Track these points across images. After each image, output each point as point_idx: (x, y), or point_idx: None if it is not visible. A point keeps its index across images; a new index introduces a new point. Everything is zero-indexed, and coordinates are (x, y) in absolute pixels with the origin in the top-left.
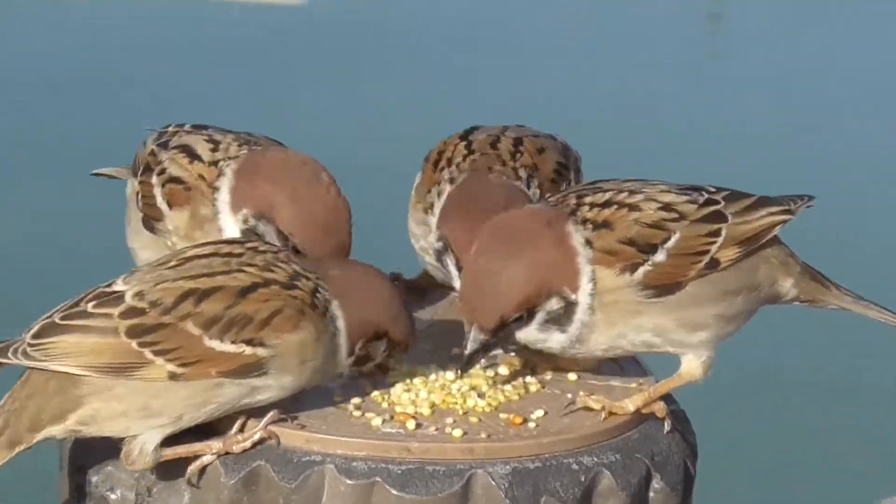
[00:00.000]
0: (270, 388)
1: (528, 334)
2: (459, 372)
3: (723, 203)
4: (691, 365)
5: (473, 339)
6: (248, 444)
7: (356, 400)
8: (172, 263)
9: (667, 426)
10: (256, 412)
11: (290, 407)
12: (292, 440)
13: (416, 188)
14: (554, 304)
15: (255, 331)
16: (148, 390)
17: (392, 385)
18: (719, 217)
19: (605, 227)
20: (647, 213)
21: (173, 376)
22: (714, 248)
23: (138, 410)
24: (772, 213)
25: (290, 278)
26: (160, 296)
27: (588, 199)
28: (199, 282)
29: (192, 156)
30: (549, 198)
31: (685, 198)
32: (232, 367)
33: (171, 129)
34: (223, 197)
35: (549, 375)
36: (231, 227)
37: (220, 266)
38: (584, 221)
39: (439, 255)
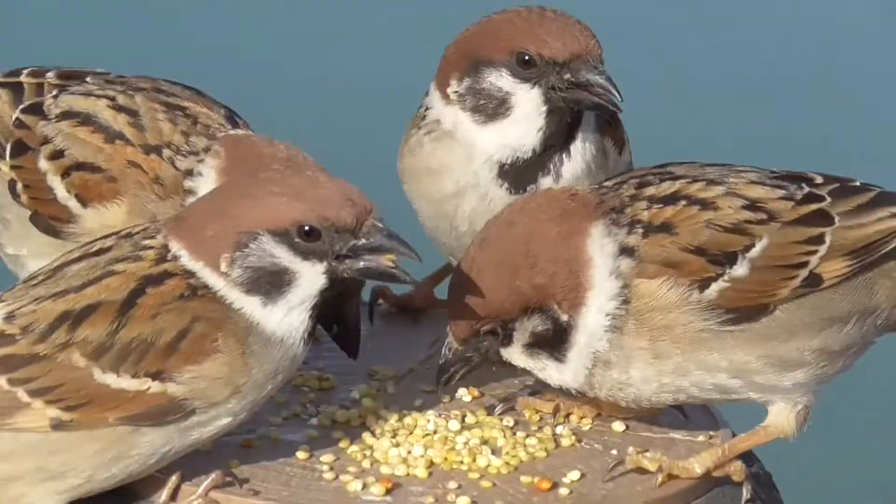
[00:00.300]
0: (207, 426)
1: (515, 357)
2: (436, 384)
3: (829, 200)
4: (782, 416)
5: (449, 345)
6: None
7: (328, 457)
8: (40, 278)
9: (745, 494)
10: (194, 468)
11: (239, 460)
12: None
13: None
14: (535, 321)
15: (160, 360)
16: (42, 445)
17: (376, 437)
18: (823, 218)
19: (665, 232)
20: (725, 212)
21: (58, 424)
22: (815, 259)
23: (32, 472)
24: (895, 215)
25: (156, 262)
26: (31, 319)
27: (649, 191)
28: (69, 300)
29: (104, 130)
30: (605, 181)
31: (780, 192)
32: (135, 410)
33: (25, 76)
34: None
35: (587, 425)
36: None
37: (88, 273)
38: (634, 223)
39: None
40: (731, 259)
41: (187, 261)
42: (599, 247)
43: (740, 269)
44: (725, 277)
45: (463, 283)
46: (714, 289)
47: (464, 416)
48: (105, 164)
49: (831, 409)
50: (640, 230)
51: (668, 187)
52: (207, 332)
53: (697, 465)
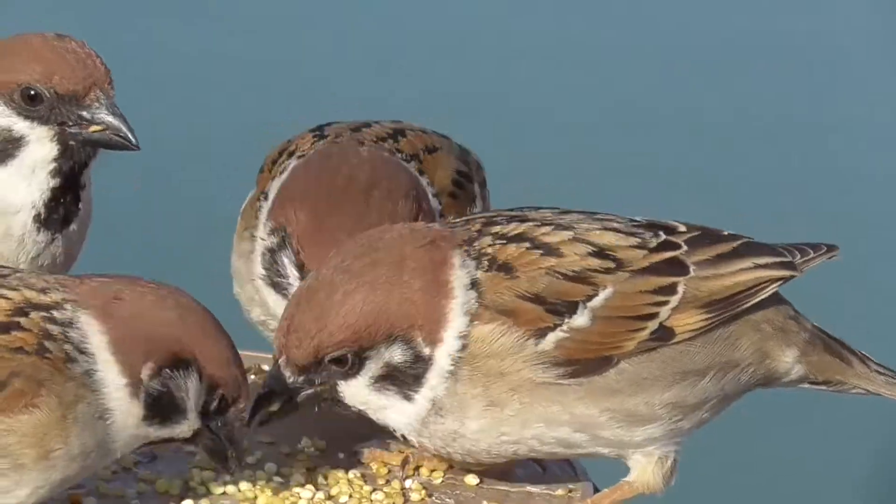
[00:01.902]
0: (13, 492)
1: (355, 392)
2: (248, 426)
3: (685, 248)
4: (644, 470)
5: (276, 373)
6: None
7: None
8: None
9: None
10: None
11: None
12: None
13: (245, 208)
14: (397, 352)
15: None
16: None
17: (211, 492)
18: (676, 267)
19: (505, 272)
20: (569, 259)
21: None
22: (665, 310)
23: None
24: (760, 266)
25: (11, 314)
26: None
27: (496, 228)
28: None
29: None
30: (449, 220)
31: (633, 240)
32: None
33: None
34: None
35: (438, 478)
36: None
37: None
38: (481, 256)
39: (272, 255)
40: (571, 308)
41: (94, 342)
42: (458, 278)
43: (580, 320)
44: (564, 328)
45: (312, 305)
46: (551, 339)
47: (307, 469)
48: None
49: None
50: (486, 263)
51: (514, 227)
52: (26, 390)
53: None
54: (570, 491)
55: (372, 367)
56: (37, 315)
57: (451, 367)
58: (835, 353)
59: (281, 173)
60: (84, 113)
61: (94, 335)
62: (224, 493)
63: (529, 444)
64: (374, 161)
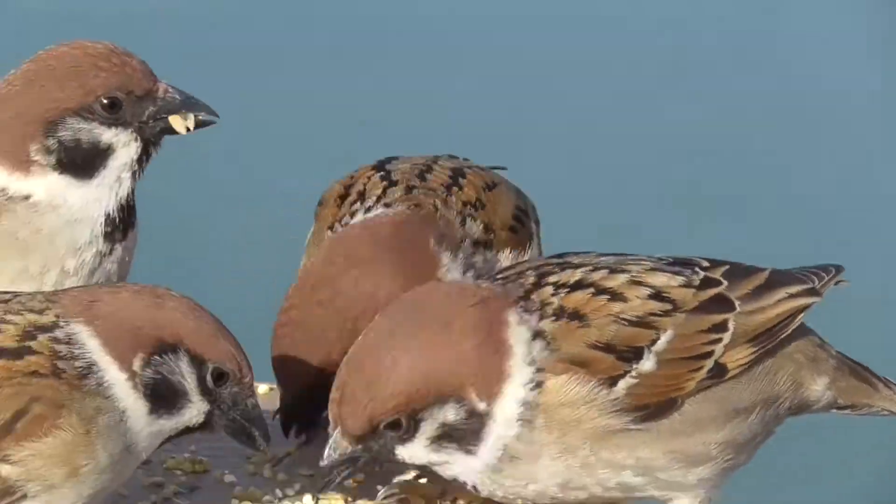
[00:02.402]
0: None
1: (414, 453)
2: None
3: (725, 283)
4: None
5: (334, 445)
6: None
7: None
8: None
9: None
10: None
11: None
12: None
13: (309, 244)
14: (450, 411)
15: None
16: None
17: None
18: (724, 304)
19: (577, 320)
20: (633, 303)
21: None
22: (719, 348)
23: None
24: (792, 296)
25: (21, 338)
26: None
27: (552, 278)
28: None
29: None
30: (497, 274)
31: (679, 278)
32: None
33: None
34: None
35: None
36: None
37: None
38: (544, 307)
39: None
40: (637, 354)
41: (89, 346)
42: (516, 335)
43: (647, 364)
44: (633, 374)
45: (362, 372)
46: (622, 386)
47: (345, 502)
48: None
49: None
50: (551, 314)
51: (570, 274)
52: (47, 414)
53: None
54: None
55: (427, 429)
56: (44, 337)
57: (523, 417)
58: (861, 377)
59: (352, 214)
60: (154, 107)
61: (89, 342)
62: None
63: (592, 490)
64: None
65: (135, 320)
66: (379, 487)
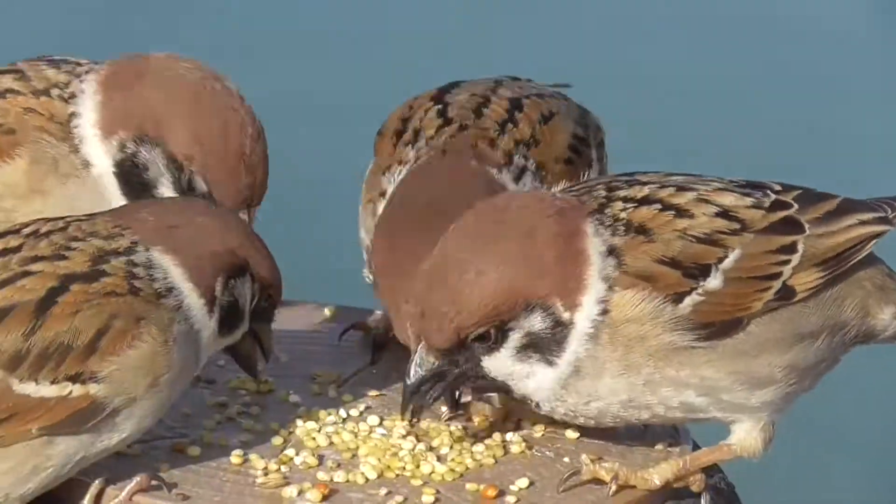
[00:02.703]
0: (122, 427)
1: (500, 364)
2: (402, 413)
3: (796, 206)
4: (747, 435)
5: (419, 362)
6: None
7: (262, 461)
8: None
9: (704, 502)
10: (121, 472)
11: (170, 464)
12: None
13: (368, 177)
14: (537, 320)
15: (80, 361)
16: None
17: (315, 440)
18: (793, 226)
19: (643, 234)
20: (699, 220)
21: None
22: (787, 270)
23: None
24: (864, 223)
25: (92, 262)
26: None
27: (621, 193)
28: None
29: None
30: (567, 188)
31: (748, 200)
32: (58, 417)
33: None
34: (86, 119)
35: (539, 432)
36: (101, 158)
37: None
38: (616, 222)
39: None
40: (704, 271)
41: (170, 272)
42: (594, 246)
43: (714, 282)
44: (699, 291)
45: (445, 286)
46: (688, 303)
47: (409, 422)
48: (1, 119)
49: (799, 421)
50: (622, 229)
51: (638, 191)
52: (127, 328)
53: (657, 476)
54: (670, 446)
55: (514, 338)
56: (117, 261)
57: (592, 331)
58: None
59: (402, 164)
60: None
61: (171, 269)
62: (330, 443)
63: (654, 410)
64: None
65: (213, 246)
66: (442, 408)
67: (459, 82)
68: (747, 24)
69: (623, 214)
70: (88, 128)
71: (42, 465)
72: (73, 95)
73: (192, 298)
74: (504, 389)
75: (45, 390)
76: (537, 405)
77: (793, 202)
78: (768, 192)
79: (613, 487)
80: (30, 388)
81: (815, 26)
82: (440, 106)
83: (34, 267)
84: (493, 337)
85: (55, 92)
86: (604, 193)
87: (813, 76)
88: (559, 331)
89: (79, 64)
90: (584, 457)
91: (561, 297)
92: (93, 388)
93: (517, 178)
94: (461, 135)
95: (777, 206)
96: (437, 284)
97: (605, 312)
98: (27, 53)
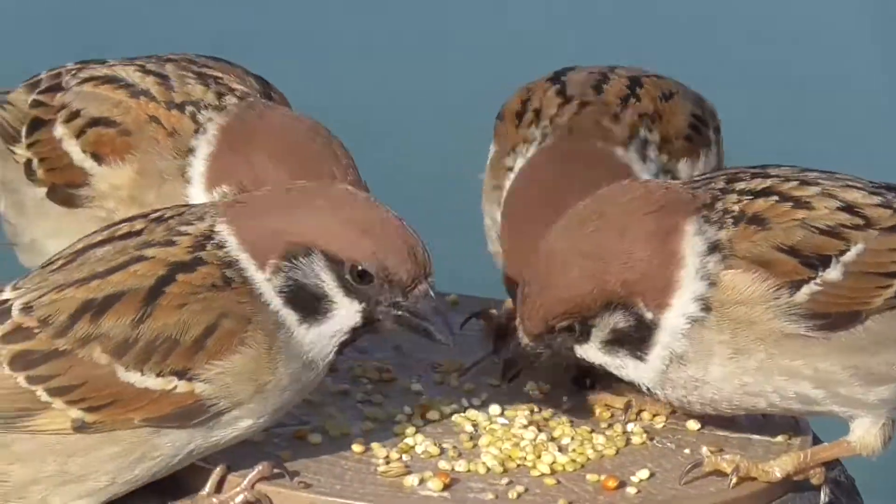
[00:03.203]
0: (233, 426)
1: (591, 354)
2: (501, 379)
3: None
4: (867, 432)
5: (518, 340)
6: None
7: (384, 450)
8: (60, 262)
9: (823, 497)
10: (243, 459)
11: (292, 452)
12: None
13: (491, 161)
14: (619, 318)
15: (186, 358)
16: (59, 447)
17: (436, 429)
18: None
19: (756, 224)
20: (819, 212)
21: (81, 426)
22: None
23: (52, 475)
24: None
25: (193, 249)
26: (51, 310)
27: (740, 185)
28: (93, 287)
29: (129, 87)
30: (691, 179)
31: (876, 199)
32: (162, 411)
33: (54, 71)
34: (198, 162)
35: (660, 423)
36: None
37: (115, 257)
38: (725, 216)
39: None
40: (824, 262)
41: (233, 248)
42: (692, 246)
43: (833, 273)
44: (818, 280)
45: (540, 275)
46: (805, 291)
47: (531, 412)
48: (121, 118)
49: None
50: (731, 221)
51: (759, 183)
52: (236, 329)
53: (777, 469)
54: (790, 439)
55: (598, 334)
56: (210, 245)
57: (687, 328)
58: None
59: (527, 143)
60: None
61: (233, 244)
62: (452, 432)
63: (770, 398)
64: (593, 177)
65: (271, 222)
66: (564, 398)
67: (574, 67)
68: None
69: (735, 207)
70: (197, 173)
71: (149, 454)
72: (198, 130)
73: (259, 278)
74: (611, 374)
75: (150, 381)
76: (649, 390)
77: None
78: None
79: (734, 479)
80: (134, 378)
81: None
82: (558, 85)
83: (148, 252)
84: (578, 330)
85: (189, 109)
86: (721, 185)
87: None
88: (643, 331)
89: (231, 89)
90: (704, 448)
91: (645, 298)
92: (198, 387)
93: (642, 154)
94: (584, 111)
95: None
96: (535, 272)
97: (707, 308)
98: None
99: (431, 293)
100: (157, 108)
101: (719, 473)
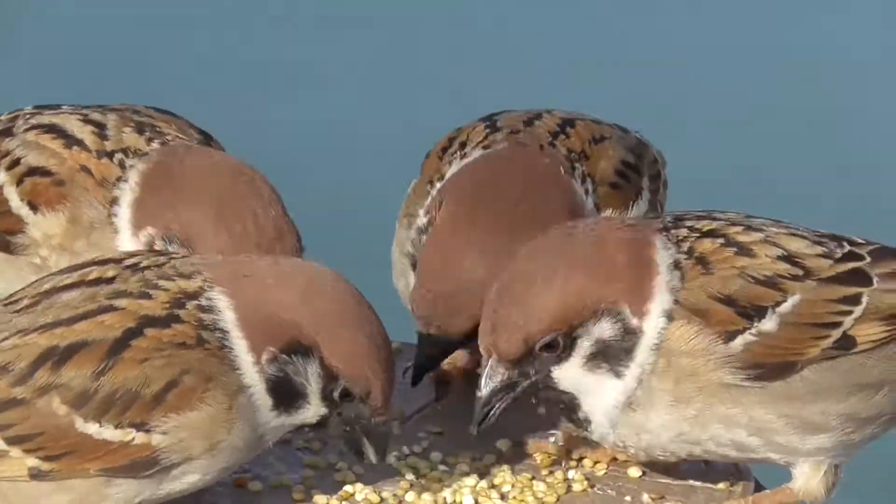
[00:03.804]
0: (183, 479)
1: (569, 375)
2: (473, 425)
3: (868, 260)
4: (808, 479)
5: (490, 373)
6: None
7: (324, 498)
8: (25, 302)
9: None
10: None
11: (232, 500)
12: None
13: (409, 193)
14: (606, 326)
15: (145, 411)
16: (11, 493)
17: (377, 476)
18: (861, 278)
19: (700, 265)
20: (761, 260)
21: (38, 474)
22: (849, 320)
23: None
24: None
25: (170, 306)
26: (12, 356)
27: (688, 223)
28: (57, 334)
29: (66, 137)
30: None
31: (819, 249)
32: (118, 462)
33: (13, 114)
34: (122, 210)
35: (601, 470)
36: (129, 248)
37: (83, 304)
38: (680, 243)
39: (419, 236)
40: (760, 313)
41: (228, 323)
42: (662, 257)
43: (769, 324)
44: (752, 331)
45: (516, 294)
46: (739, 342)
47: (472, 459)
48: (56, 168)
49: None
50: (686, 250)
51: (707, 223)
52: (197, 386)
53: None
54: (732, 486)
55: (584, 346)
56: (191, 305)
57: (657, 342)
58: None
59: (450, 163)
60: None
61: (229, 318)
62: (397, 477)
63: (705, 445)
64: (529, 176)
65: (277, 310)
66: (505, 442)
67: (509, 109)
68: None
69: (686, 240)
70: (123, 219)
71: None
72: (122, 176)
73: (246, 358)
74: (570, 408)
75: (108, 433)
76: (592, 429)
77: (866, 255)
78: (845, 244)
79: None
80: (92, 429)
81: None
82: (488, 122)
83: (118, 302)
84: (562, 345)
85: (118, 157)
86: (670, 219)
87: None
88: (629, 339)
89: (165, 136)
90: (645, 496)
91: (630, 304)
92: (155, 439)
93: (580, 182)
94: (513, 138)
95: (849, 257)
96: (506, 296)
97: (664, 337)
98: None
99: (387, 421)
100: (88, 158)
101: None
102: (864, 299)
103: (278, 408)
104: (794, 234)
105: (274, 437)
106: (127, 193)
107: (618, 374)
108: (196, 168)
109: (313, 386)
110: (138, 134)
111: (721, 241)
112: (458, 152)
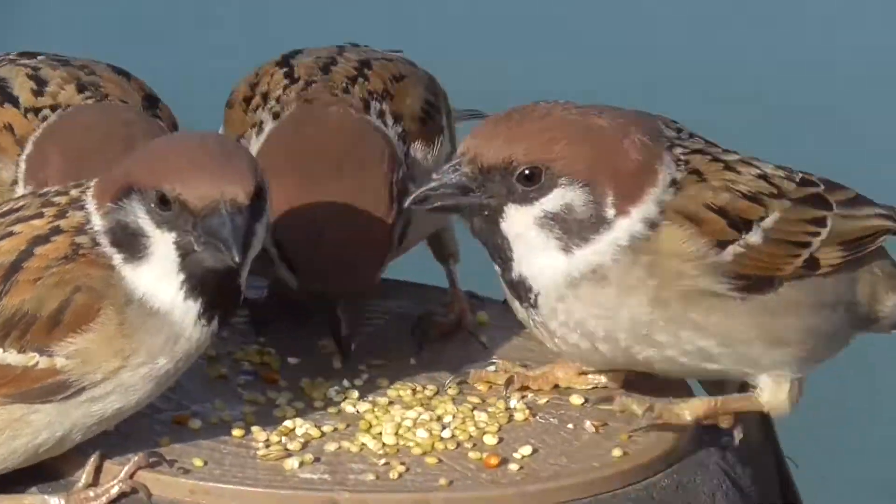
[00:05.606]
0: (103, 402)
1: (521, 219)
2: (410, 202)
3: (822, 187)
4: (774, 391)
5: (455, 168)
6: (102, 500)
7: (264, 434)
8: None
9: (738, 435)
10: (120, 447)
11: (170, 437)
12: (170, 491)
13: None
14: (580, 195)
15: (44, 333)
16: None
17: (317, 411)
18: (823, 203)
19: (696, 175)
20: (745, 177)
21: None
22: (816, 241)
23: None
24: (880, 215)
25: (54, 218)
26: None
27: (684, 142)
28: None
29: (3, 94)
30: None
31: (781, 171)
32: (26, 386)
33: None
34: (21, 167)
35: (543, 398)
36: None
37: None
38: (678, 161)
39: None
40: (747, 226)
41: (88, 203)
42: (664, 171)
43: (755, 237)
44: (741, 243)
45: (527, 117)
46: (730, 251)
47: (413, 391)
48: None
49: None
50: (684, 168)
51: (692, 143)
52: (90, 303)
53: (688, 411)
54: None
55: (551, 200)
56: (72, 210)
57: (626, 245)
58: None
59: (256, 126)
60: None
61: (91, 208)
62: (332, 413)
63: (666, 353)
64: (344, 131)
65: (114, 171)
66: (446, 373)
67: (302, 49)
68: None
69: (682, 158)
70: (21, 171)
71: (22, 431)
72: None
73: (101, 237)
74: (505, 262)
75: (11, 358)
76: (535, 299)
77: (819, 182)
78: (797, 172)
79: (644, 423)
80: None
81: None
82: (286, 69)
83: (17, 228)
84: (541, 181)
85: (43, 114)
86: (674, 136)
87: None
88: (594, 225)
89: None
90: (588, 423)
91: (615, 195)
92: (59, 362)
93: (382, 122)
94: (311, 88)
95: (806, 183)
96: (518, 115)
97: (648, 238)
98: None
99: (228, 215)
100: (14, 115)
101: (630, 414)
102: (829, 222)
103: (131, 260)
104: (755, 158)
105: (192, 327)
106: (28, 148)
107: (566, 250)
108: (80, 124)
109: (144, 217)
110: (78, 91)
111: (709, 157)
112: (263, 106)
